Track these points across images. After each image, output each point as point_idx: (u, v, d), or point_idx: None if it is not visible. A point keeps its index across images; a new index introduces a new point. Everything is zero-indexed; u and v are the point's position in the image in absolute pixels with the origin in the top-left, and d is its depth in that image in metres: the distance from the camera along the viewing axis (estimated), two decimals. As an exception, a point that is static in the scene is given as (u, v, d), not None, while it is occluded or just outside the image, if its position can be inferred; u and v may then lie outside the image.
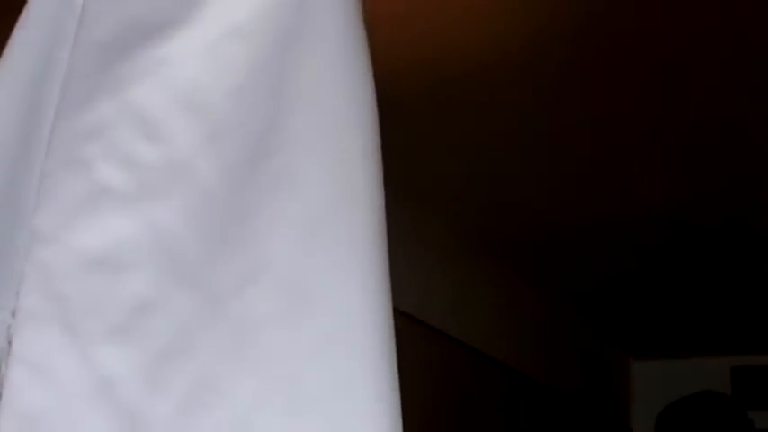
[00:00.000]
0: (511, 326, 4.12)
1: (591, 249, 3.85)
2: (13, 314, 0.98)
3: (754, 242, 3.72)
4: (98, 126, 1.00)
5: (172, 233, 0.97)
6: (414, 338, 3.26)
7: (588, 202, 3.44)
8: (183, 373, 0.93)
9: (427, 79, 2.67)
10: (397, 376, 0.96)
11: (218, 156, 0.99)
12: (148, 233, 0.97)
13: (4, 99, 1.05)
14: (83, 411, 0.92)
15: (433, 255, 3.56)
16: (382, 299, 0.96)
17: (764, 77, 2.67)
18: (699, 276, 4.12)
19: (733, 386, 5.20)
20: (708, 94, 2.76)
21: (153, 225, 0.97)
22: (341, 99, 1.01)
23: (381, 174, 0.99)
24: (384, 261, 0.97)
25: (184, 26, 1.02)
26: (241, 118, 1.01)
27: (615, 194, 3.40)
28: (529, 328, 4.28)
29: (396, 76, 2.60)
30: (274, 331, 0.94)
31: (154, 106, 1.01)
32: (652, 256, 3.91)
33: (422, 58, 2.59)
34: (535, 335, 4.32)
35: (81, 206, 0.98)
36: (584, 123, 2.92)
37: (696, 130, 2.93)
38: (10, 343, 0.97)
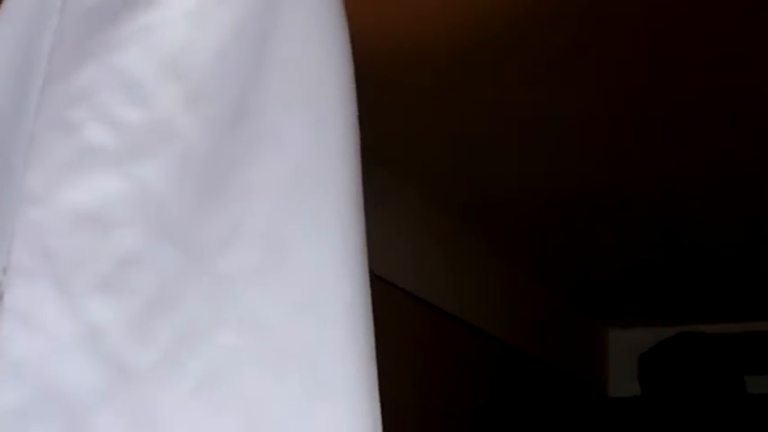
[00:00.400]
0: (488, 294, 4.14)
1: (568, 219, 3.88)
2: (5, 272, 1.02)
3: (729, 214, 3.75)
4: (85, 89, 1.04)
5: (157, 191, 1.01)
6: (390, 303, 3.28)
7: (566, 173, 3.46)
8: (167, 326, 0.97)
9: (415, 53, 2.68)
10: (372, 330, 0.99)
11: (201, 116, 1.03)
12: (134, 191, 1.01)
13: None
14: (70, 359, 0.96)
15: (411, 222, 3.58)
16: (360, 255, 1.00)
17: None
18: (675, 246, 4.16)
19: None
20: (695, 67, 2.77)
21: (139, 183, 1.01)
22: (320, 61, 1.05)
23: (358, 133, 1.03)
24: (361, 218, 1.01)
25: None
26: (223, 80, 1.04)
27: (593, 164, 3.41)
28: (506, 297, 4.31)
29: (381, 49, 2.62)
30: (255, 286, 0.97)
31: (139, 70, 1.04)
32: (629, 225, 3.94)
33: (406, 31, 2.60)
34: (512, 303, 4.36)
35: (69, 166, 1.02)
36: (565, 98, 2.94)
37: (679, 106, 2.94)
38: (1, 298, 1.00)
